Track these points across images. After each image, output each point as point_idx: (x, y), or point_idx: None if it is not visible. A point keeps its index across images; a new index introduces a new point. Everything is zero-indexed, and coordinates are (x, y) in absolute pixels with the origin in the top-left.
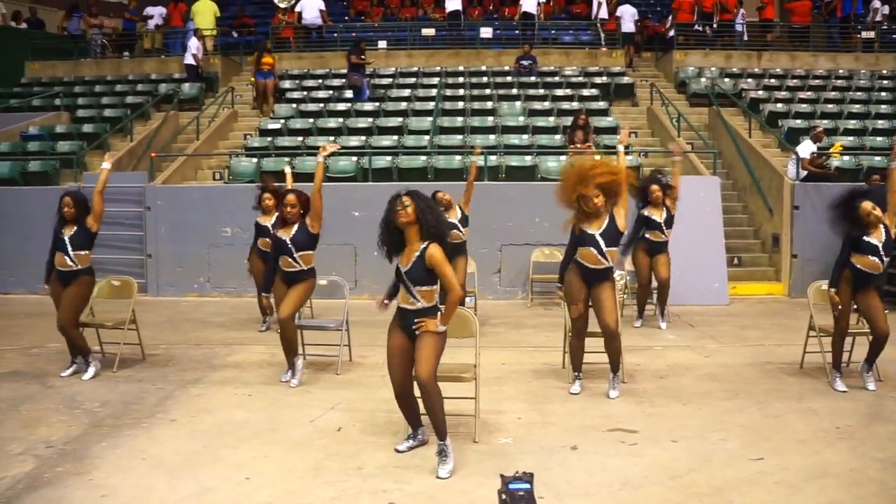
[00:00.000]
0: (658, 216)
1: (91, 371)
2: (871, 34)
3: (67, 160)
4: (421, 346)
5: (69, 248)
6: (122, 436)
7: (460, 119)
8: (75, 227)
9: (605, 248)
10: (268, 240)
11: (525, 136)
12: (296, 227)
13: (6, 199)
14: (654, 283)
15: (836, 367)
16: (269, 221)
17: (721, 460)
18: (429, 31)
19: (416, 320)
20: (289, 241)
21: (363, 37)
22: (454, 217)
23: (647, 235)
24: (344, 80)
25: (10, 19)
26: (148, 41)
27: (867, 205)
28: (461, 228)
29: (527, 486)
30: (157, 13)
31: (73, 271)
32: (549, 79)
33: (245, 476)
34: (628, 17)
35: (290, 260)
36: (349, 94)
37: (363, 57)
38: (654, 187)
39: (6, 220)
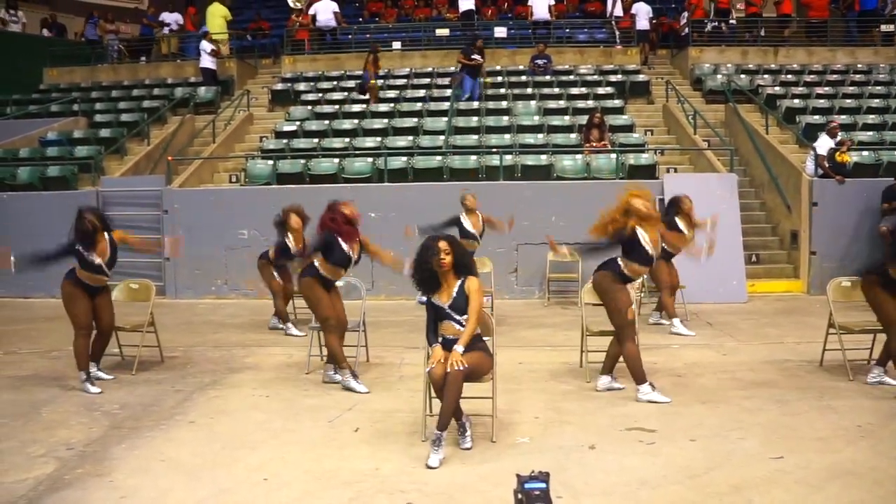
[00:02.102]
0: (684, 226)
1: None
2: (891, 27)
3: (85, 165)
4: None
5: (106, 269)
6: (142, 438)
7: (475, 119)
8: (106, 250)
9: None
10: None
11: (540, 136)
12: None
13: (26, 204)
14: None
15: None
16: (296, 245)
17: (740, 459)
18: (443, 32)
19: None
20: (353, 258)
21: (379, 38)
22: (476, 225)
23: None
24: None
25: (40, 27)
26: (165, 46)
27: None
28: (478, 239)
29: (543, 485)
30: (172, 19)
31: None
32: (563, 77)
33: (263, 477)
34: (643, 14)
35: (343, 272)
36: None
37: (474, 57)
38: (687, 198)
39: (26, 225)
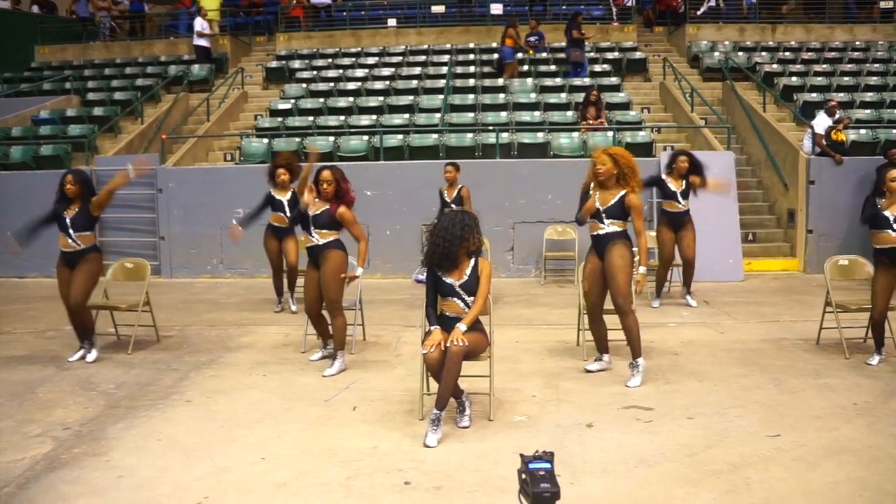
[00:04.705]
0: (675, 185)
1: (94, 353)
2: (890, 4)
3: (79, 144)
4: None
5: (70, 230)
6: (138, 417)
7: (471, 97)
8: (77, 209)
9: (606, 220)
10: (281, 214)
11: (537, 113)
12: (325, 206)
13: (19, 183)
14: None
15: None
16: (284, 196)
17: (738, 437)
18: (438, 9)
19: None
20: (311, 218)
21: (374, 15)
22: (451, 196)
23: (664, 208)
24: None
25: (30, 5)
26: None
27: (894, 172)
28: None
29: (548, 465)
30: None
31: (77, 251)
32: (560, 55)
33: (261, 456)
34: None
35: (308, 235)
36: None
37: (583, 32)
38: (682, 157)
39: (19, 204)
